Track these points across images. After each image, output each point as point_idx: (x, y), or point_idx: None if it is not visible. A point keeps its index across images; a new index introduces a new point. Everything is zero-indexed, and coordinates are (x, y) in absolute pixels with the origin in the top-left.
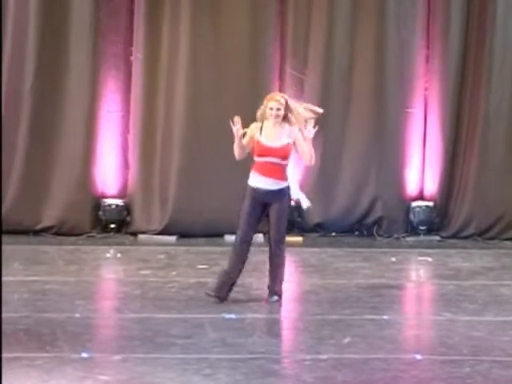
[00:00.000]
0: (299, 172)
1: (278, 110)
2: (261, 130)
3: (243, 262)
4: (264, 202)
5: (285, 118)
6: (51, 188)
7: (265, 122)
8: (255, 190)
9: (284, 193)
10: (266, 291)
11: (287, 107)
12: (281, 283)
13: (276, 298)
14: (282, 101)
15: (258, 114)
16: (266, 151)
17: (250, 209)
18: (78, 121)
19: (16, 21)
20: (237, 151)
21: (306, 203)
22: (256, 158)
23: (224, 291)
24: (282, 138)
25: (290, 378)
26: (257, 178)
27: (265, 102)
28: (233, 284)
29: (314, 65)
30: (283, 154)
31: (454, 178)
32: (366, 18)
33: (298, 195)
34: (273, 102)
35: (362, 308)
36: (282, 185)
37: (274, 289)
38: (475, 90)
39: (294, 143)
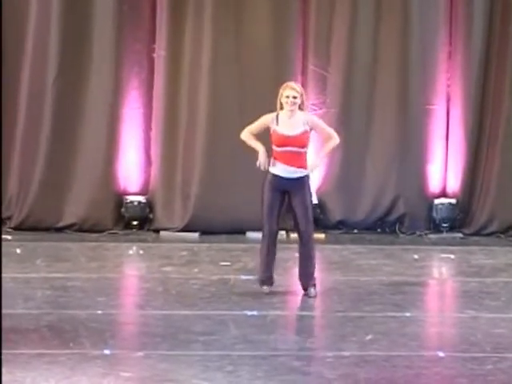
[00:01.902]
0: (322, 169)
1: (295, 98)
2: (277, 119)
3: (274, 254)
4: (284, 190)
5: (300, 107)
6: (74, 185)
7: (280, 112)
8: (276, 178)
9: (304, 181)
10: (289, 288)
11: (302, 96)
12: (314, 274)
13: (315, 292)
14: (298, 89)
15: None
16: (285, 141)
17: (272, 200)
18: (100, 118)
19: (38, 19)
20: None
21: (314, 199)
22: (275, 148)
23: (271, 278)
24: (299, 127)
25: (312, 375)
26: (278, 165)
27: (280, 91)
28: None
29: (336, 62)
30: (301, 142)
31: (476, 175)
32: (388, 15)
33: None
34: (289, 90)
35: (385, 305)
36: (302, 173)
37: (311, 283)
38: (498, 87)
39: (311, 130)
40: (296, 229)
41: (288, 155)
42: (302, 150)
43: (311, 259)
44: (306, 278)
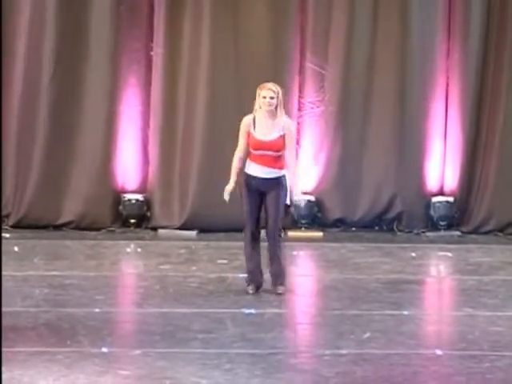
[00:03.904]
0: (320, 165)
1: (272, 98)
2: (254, 122)
3: (259, 254)
4: (260, 191)
5: (276, 108)
6: (72, 183)
7: (257, 114)
8: (251, 178)
9: (280, 182)
10: (286, 287)
11: (279, 97)
12: (284, 274)
13: (283, 288)
14: (275, 89)
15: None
16: (260, 145)
17: (250, 202)
18: (98, 116)
19: (34, 16)
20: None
21: (288, 200)
22: (252, 151)
23: (257, 277)
24: (275, 131)
25: (310, 373)
26: (253, 166)
27: (257, 91)
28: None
29: (334, 60)
30: (277, 147)
31: (474, 173)
32: (386, 13)
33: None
34: (265, 91)
35: (382, 303)
36: (278, 173)
37: (279, 280)
38: (496, 85)
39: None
40: (265, 228)
41: (264, 158)
42: (277, 153)
43: (277, 259)
44: (274, 277)
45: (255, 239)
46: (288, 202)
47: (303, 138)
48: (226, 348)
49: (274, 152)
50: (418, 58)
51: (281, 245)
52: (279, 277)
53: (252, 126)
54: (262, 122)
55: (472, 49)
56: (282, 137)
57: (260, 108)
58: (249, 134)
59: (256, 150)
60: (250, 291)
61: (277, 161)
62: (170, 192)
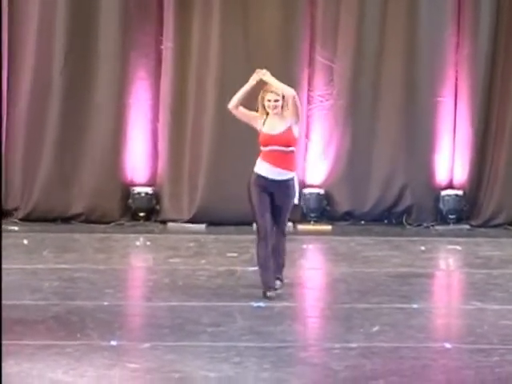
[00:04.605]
0: (329, 159)
1: (276, 101)
2: (264, 121)
3: (270, 257)
4: (267, 189)
5: (283, 108)
6: (81, 176)
7: (269, 116)
8: (260, 178)
9: (289, 185)
10: (295, 280)
11: (283, 97)
12: (283, 267)
13: (280, 283)
14: (279, 91)
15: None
16: (268, 140)
17: (261, 201)
18: (107, 109)
19: (45, 10)
20: (236, 100)
21: (296, 200)
22: (262, 148)
23: (273, 283)
24: (282, 125)
25: (319, 366)
26: (263, 166)
27: (261, 95)
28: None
29: (343, 53)
30: (285, 140)
31: (483, 166)
32: (396, 6)
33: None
34: (270, 94)
35: (391, 296)
36: (287, 175)
37: (278, 276)
38: (505, 78)
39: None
40: (274, 221)
41: (274, 155)
42: (287, 149)
43: (281, 253)
44: (274, 272)
45: (269, 241)
46: (296, 201)
47: (312, 131)
48: (235, 341)
49: (284, 147)
50: (427, 52)
51: (285, 239)
52: (278, 271)
53: (262, 123)
54: (271, 119)
55: (482, 43)
56: (290, 129)
57: (265, 110)
58: (259, 132)
59: (265, 145)
60: (271, 294)
61: (287, 159)
62: (180, 185)
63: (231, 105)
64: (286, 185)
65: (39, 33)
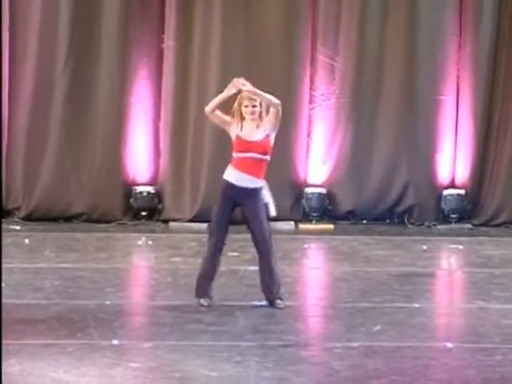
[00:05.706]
0: (331, 158)
1: (254, 106)
2: (241, 126)
3: (218, 265)
4: (234, 201)
5: (261, 115)
6: (83, 175)
7: (245, 121)
8: (229, 187)
9: (255, 193)
10: (297, 279)
11: (262, 105)
12: (280, 287)
13: (281, 303)
14: (257, 97)
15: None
16: (246, 146)
17: (223, 209)
18: (109, 108)
19: (46, 10)
20: (213, 105)
21: (273, 211)
22: (235, 155)
23: (206, 290)
24: (261, 133)
25: (321, 365)
26: (232, 173)
27: (238, 100)
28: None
29: (345, 51)
30: (263, 148)
31: (485, 165)
32: (397, 4)
33: (267, 199)
34: (247, 100)
35: (393, 296)
36: (256, 183)
37: (276, 296)
38: (508, 77)
39: (270, 129)
40: (254, 242)
41: (248, 162)
42: (263, 157)
43: (272, 274)
44: (269, 293)
45: (220, 250)
46: (274, 213)
47: (314, 129)
48: (237, 340)
49: (260, 154)
50: (429, 50)
51: (274, 257)
52: (275, 292)
53: (239, 129)
54: (249, 125)
55: (484, 41)
56: (268, 137)
57: (241, 116)
58: (235, 137)
59: (241, 152)
60: (205, 304)
61: (260, 167)
62: (182, 184)
63: (208, 110)
64: (251, 193)
65: (41, 33)
